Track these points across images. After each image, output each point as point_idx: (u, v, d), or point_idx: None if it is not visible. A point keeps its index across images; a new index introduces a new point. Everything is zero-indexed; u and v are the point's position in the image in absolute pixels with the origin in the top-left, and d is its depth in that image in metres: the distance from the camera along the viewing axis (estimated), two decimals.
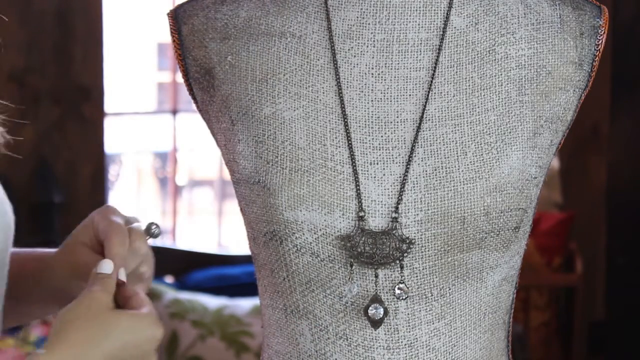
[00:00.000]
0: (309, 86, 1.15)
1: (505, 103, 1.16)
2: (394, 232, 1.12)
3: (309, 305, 1.15)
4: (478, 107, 1.15)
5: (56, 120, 3.82)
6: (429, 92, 1.14)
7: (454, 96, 1.15)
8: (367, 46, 1.15)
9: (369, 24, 1.16)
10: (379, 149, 1.13)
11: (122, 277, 1.05)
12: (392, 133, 1.14)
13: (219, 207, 4.93)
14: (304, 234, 1.13)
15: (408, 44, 1.15)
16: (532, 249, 3.72)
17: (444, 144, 1.13)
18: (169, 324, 3.39)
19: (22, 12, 3.71)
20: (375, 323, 1.12)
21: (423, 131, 1.14)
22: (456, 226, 1.12)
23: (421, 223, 1.12)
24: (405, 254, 1.12)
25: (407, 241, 1.12)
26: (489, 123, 1.15)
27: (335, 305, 1.14)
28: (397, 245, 1.12)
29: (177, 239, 4.38)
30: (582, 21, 1.20)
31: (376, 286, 1.12)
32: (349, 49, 1.16)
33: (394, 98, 1.14)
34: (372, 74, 1.15)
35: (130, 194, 5.58)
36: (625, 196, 4.13)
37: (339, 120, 1.14)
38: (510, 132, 1.15)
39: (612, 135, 4.13)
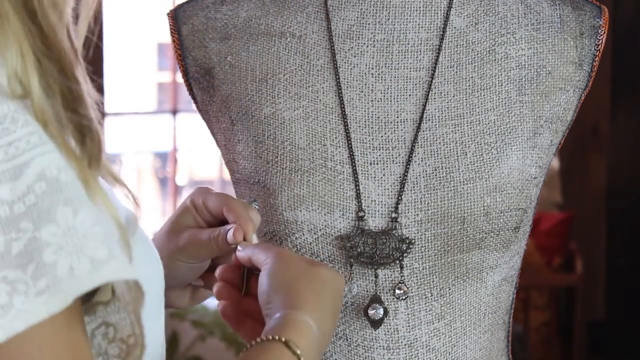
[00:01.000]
0: (308, 86, 1.15)
1: (505, 103, 1.16)
2: (394, 232, 1.12)
3: None
4: (478, 107, 1.15)
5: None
6: (428, 92, 1.14)
7: (453, 96, 1.15)
8: (367, 46, 1.15)
9: (369, 24, 1.16)
10: (379, 149, 1.13)
11: (255, 241, 1.03)
12: (392, 133, 1.14)
13: None
14: (303, 234, 1.13)
15: (408, 44, 1.15)
16: (532, 249, 3.72)
17: (443, 144, 1.13)
18: (169, 324, 3.39)
19: None
20: (375, 323, 1.12)
21: (423, 131, 1.13)
22: (456, 226, 1.12)
23: (421, 223, 1.12)
24: (405, 254, 1.12)
25: (407, 241, 1.12)
26: (488, 123, 1.15)
27: None
28: (397, 246, 1.12)
29: None
30: (582, 21, 1.20)
31: (376, 286, 1.12)
32: (348, 49, 1.16)
33: (394, 98, 1.14)
34: (372, 74, 1.15)
35: None
36: (625, 196, 4.13)
37: (338, 120, 1.14)
38: (510, 132, 1.15)
39: (612, 135, 4.13)
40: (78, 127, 0.78)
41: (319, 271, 0.96)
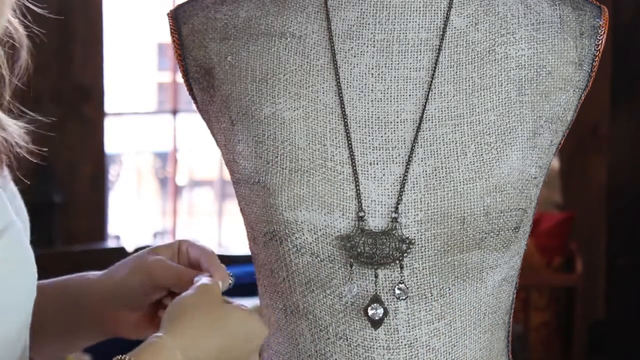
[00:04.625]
0: (308, 86, 1.15)
1: (505, 103, 1.16)
2: (394, 232, 1.12)
3: (309, 306, 1.15)
4: (478, 107, 1.15)
5: (56, 120, 3.82)
6: (428, 92, 1.14)
7: (453, 96, 1.15)
8: (367, 46, 1.15)
9: (369, 24, 1.16)
10: (379, 149, 1.13)
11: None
12: (392, 133, 1.14)
13: (219, 207, 4.93)
14: (303, 234, 1.13)
15: (408, 44, 1.15)
16: (532, 249, 3.72)
17: (443, 144, 1.13)
18: None
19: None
20: (375, 323, 1.12)
21: (423, 131, 1.13)
22: (456, 226, 1.12)
23: (421, 223, 1.12)
24: (405, 254, 1.12)
25: (407, 241, 1.12)
26: (488, 123, 1.15)
27: (335, 305, 1.14)
28: (397, 246, 1.12)
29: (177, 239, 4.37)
30: (582, 21, 1.20)
31: (376, 286, 1.12)
32: (348, 49, 1.16)
33: (394, 98, 1.14)
34: (372, 74, 1.15)
35: (130, 194, 5.58)
36: (625, 196, 4.13)
37: (338, 120, 1.14)
38: (510, 132, 1.15)
39: (612, 135, 4.13)
40: None
41: (231, 313, 1.02)
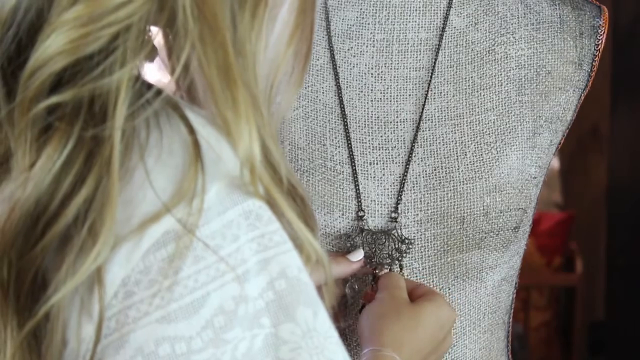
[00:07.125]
0: (308, 86, 1.15)
1: (504, 103, 1.16)
2: (394, 232, 1.12)
3: None
4: (477, 107, 1.15)
5: None
6: (428, 92, 1.14)
7: (453, 96, 1.15)
8: (367, 46, 1.15)
9: (368, 24, 1.16)
10: (379, 149, 1.13)
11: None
12: (391, 133, 1.14)
13: None
14: None
15: (408, 44, 1.15)
16: (532, 249, 3.72)
17: (443, 144, 1.13)
18: None
19: None
20: None
21: (422, 131, 1.13)
22: (455, 226, 1.12)
23: (421, 223, 1.12)
24: (404, 254, 1.12)
25: (407, 241, 1.12)
26: (488, 123, 1.15)
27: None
28: (397, 246, 1.12)
29: None
30: (582, 21, 1.20)
31: (376, 286, 1.12)
32: (348, 49, 1.16)
33: (394, 98, 1.14)
34: (372, 74, 1.15)
35: None
36: (625, 196, 4.13)
37: (338, 120, 1.14)
38: (509, 132, 1.15)
39: (612, 135, 4.13)
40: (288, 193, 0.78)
41: (418, 309, 1.03)
